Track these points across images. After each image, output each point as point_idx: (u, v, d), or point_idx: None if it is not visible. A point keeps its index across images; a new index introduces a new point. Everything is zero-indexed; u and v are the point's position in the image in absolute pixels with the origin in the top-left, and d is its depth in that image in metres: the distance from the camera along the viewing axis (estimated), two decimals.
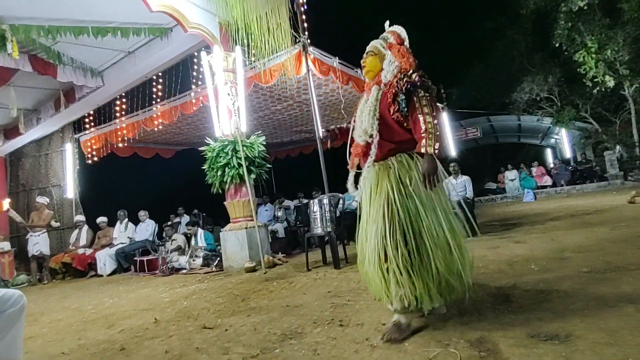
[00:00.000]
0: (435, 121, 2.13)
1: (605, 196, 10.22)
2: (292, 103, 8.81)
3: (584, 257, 3.55)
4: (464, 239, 2.26)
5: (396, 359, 1.94)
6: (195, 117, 8.62)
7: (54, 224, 8.51)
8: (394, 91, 2.21)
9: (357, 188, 2.44)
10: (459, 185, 6.73)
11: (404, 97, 2.19)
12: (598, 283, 2.69)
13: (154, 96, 8.32)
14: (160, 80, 8.10)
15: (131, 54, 7.45)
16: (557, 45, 14.31)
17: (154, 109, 8.33)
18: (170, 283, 5.61)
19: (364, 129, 2.32)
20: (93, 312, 4.18)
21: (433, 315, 2.41)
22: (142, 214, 8.55)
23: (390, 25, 2.50)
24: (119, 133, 9.08)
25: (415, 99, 2.18)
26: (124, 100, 8.88)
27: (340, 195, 5.75)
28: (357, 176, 2.48)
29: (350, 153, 2.50)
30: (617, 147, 14.74)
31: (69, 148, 9.81)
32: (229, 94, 6.00)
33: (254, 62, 6.58)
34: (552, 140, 22.50)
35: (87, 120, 9.71)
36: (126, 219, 8.58)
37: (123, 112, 9.00)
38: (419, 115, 2.14)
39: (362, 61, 2.49)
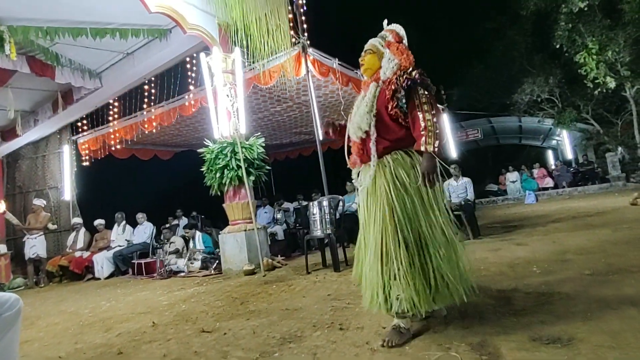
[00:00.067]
0: (435, 119, 2.11)
1: (607, 198, 10.21)
2: (292, 104, 8.80)
3: (586, 259, 3.54)
4: (458, 240, 2.24)
5: None
6: (194, 118, 8.61)
7: (51, 226, 8.48)
8: (393, 88, 2.19)
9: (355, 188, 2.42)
10: (459, 187, 6.70)
11: (403, 94, 2.17)
12: (600, 285, 2.68)
13: (153, 98, 8.30)
14: (159, 81, 8.08)
15: (130, 56, 7.44)
16: (557, 46, 14.29)
17: (153, 110, 8.31)
18: (168, 286, 5.58)
19: (358, 124, 2.31)
20: (90, 316, 4.16)
21: (433, 317, 2.39)
22: (140, 216, 8.52)
23: (388, 24, 2.49)
24: (117, 135, 9.06)
25: (414, 96, 2.16)
26: (122, 101, 8.87)
27: (340, 197, 5.73)
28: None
29: (348, 152, 2.48)
30: (619, 148, 14.73)
31: (66, 150, 9.79)
32: (228, 96, 5.98)
33: (253, 63, 6.56)
34: (554, 142, 22.50)
35: (85, 122, 9.70)
36: (124, 222, 8.53)
37: (121, 114, 8.98)
38: (419, 113, 2.13)
39: (360, 59, 2.48)
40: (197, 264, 6.70)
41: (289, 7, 6.67)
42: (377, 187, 2.23)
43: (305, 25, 6.60)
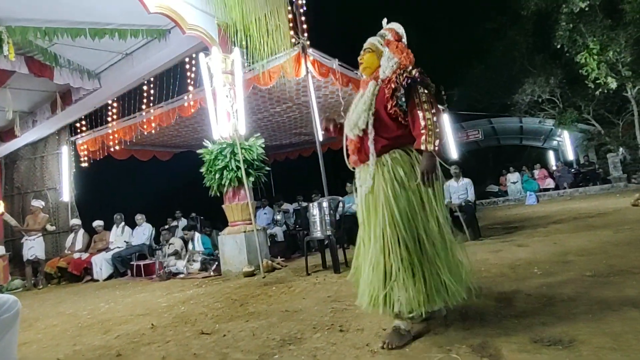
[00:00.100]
0: (435, 118, 2.10)
1: (609, 199, 10.20)
2: (292, 105, 8.80)
3: (587, 260, 3.53)
4: (457, 241, 2.23)
5: None
6: (193, 119, 8.61)
7: (49, 227, 8.45)
8: (392, 86, 2.18)
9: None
10: (460, 188, 6.68)
11: (403, 92, 2.15)
12: (602, 287, 2.67)
13: (152, 98, 8.29)
14: (158, 82, 8.07)
15: (128, 56, 7.44)
16: (558, 46, 14.29)
17: (152, 111, 8.30)
18: (167, 288, 5.56)
19: (355, 121, 2.30)
20: (89, 318, 4.14)
21: (433, 318, 2.38)
22: (139, 217, 8.51)
23: (387, 23, 2.48)
24: (116, 135, 9.06)
25: (414, 94, 2.15)
26: (121, 102, 8.86)
27: (340, 198, 5.72)
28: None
29: (347, 151, 2.46)
30: (620, 149, 14.73)
31: (65, 151, 9.79)
32: (227, 96, 5.97)
33: (253, 64, 6.55)
34: (555, 143, 22.52)
35: (83, 122, 9.69)
36: (123, 223, 8.53)
37: (120, 115, 8.97)
38: (419, 112, 2.12)
39: (359, 58, 2.47)
40: (197, 266, 6.68)
41: (289, 8, 6.67)
42: (376, 186, 2.22)
43: (305, 26, 6.60)
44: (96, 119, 9.41)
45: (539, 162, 17.87)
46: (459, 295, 2.11)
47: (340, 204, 5.59)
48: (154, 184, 14.07)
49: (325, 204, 5.05)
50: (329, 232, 4.93)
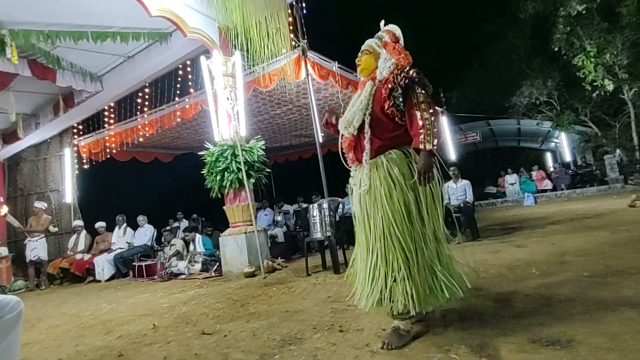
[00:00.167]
0: (433, 118, 2.11)
1: (606, 200, 10.21)
2: (292, 107, 8.82)
3: (585, 261, 3.54)
4: (456, 242, 2.26)
5: None
6: (195, 121, 8.63)
7: (52, 229, 8.47)
8: (390, 86, 2.19)
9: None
10: (459, 190, 6.72)
11: (400, 92, 2.17)
12: (599, 287, 2.68)
13: (154, 101, 8.32)
14: (160, 84, 8.10)
15: (130, 59, 7.46)
16: (556, 49, 14.33)
17: (153, 113, 8.32)
18: (168, 288, 5.58)
19: (350, 119, 2.32)
20: (91, 318, 4.16)
21: (432, 319, 2.40)
22: (141, 218, 8.53)
23: (385, 25, 2.50)
24: (118, 137, 9.07)
25: (412, 95, 2.16)
26: (123, 104, 8.88)
27: (340, 199, 5.74)
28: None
29: (342, 149, 2.48)
30: (617, 150, 14.73)
31: (67, 153, 9.80)
32: (228, 99, 6.00)
33: (254, 66, 6.59)
34: (552, 144, 22.53)
35: (86, 125, 9.71)
36: (125, 224, 8.56)
37: (122, 117, 9.00)
38: (416, 112, 2.12)
39: (357, 59, 2.49)
40: (198, 266, 6.70)
41: (289, 11, 6.69)
42: (372, 186, 2.23)
43: (304, 29, 6.63)
44: (98, 121, 9.45)
45: (537, 163, 17.85)
46: (456, 295, 2.13)
47: (340, 205, 5.61)
48: (156, 186, 14.06)
49: (325, 205, 5.08)
50: (329, 233, 4.96)
